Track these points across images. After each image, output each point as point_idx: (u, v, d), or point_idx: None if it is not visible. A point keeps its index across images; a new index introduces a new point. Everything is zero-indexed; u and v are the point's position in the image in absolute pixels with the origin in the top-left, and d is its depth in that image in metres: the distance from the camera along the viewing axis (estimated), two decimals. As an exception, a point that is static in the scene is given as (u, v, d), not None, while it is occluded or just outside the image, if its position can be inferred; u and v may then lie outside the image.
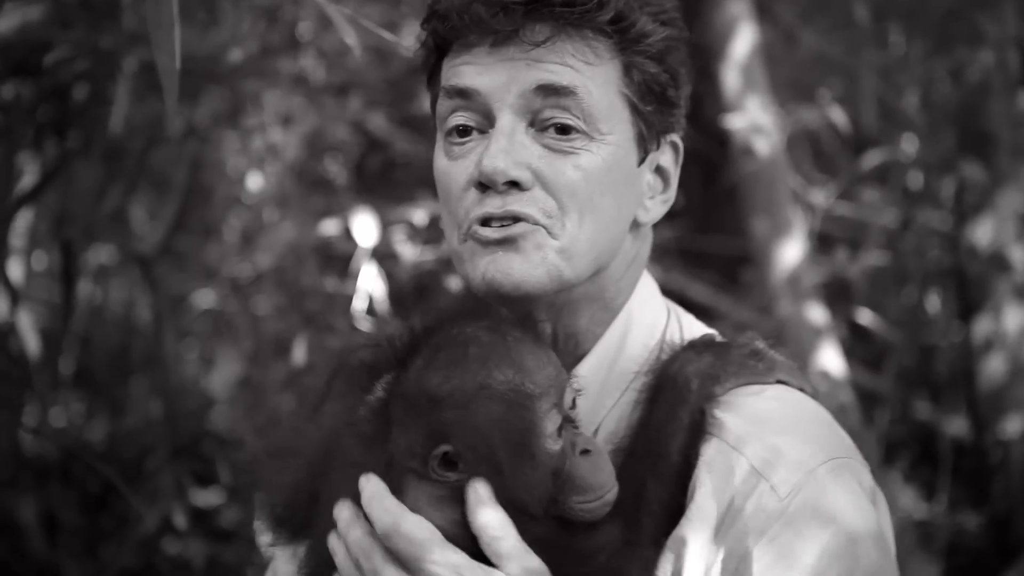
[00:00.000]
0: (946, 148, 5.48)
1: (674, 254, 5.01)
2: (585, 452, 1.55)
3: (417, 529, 1.49)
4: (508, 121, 1.65)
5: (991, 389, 5.24)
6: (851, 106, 5.33)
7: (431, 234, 4.03)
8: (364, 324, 4.01)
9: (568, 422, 1.57)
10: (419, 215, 4.03)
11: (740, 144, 4.37)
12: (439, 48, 1.73)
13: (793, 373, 1.70)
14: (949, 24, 5.58)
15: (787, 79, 5.56)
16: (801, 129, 4.74)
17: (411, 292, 4.10)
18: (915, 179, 5.58)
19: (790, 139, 4.69)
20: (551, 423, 1.54)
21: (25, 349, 4.64)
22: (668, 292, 1.89)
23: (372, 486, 1.51)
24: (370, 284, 4.02)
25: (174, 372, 5.24)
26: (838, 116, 4.57)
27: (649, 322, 1.78)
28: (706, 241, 5.18)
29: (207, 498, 5.18)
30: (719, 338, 1.72)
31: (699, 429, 1.60)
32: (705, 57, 4.34)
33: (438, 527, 1.50)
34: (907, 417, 5.70)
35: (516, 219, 1.64)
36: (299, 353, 4.23)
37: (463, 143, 1.70)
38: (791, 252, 4.29)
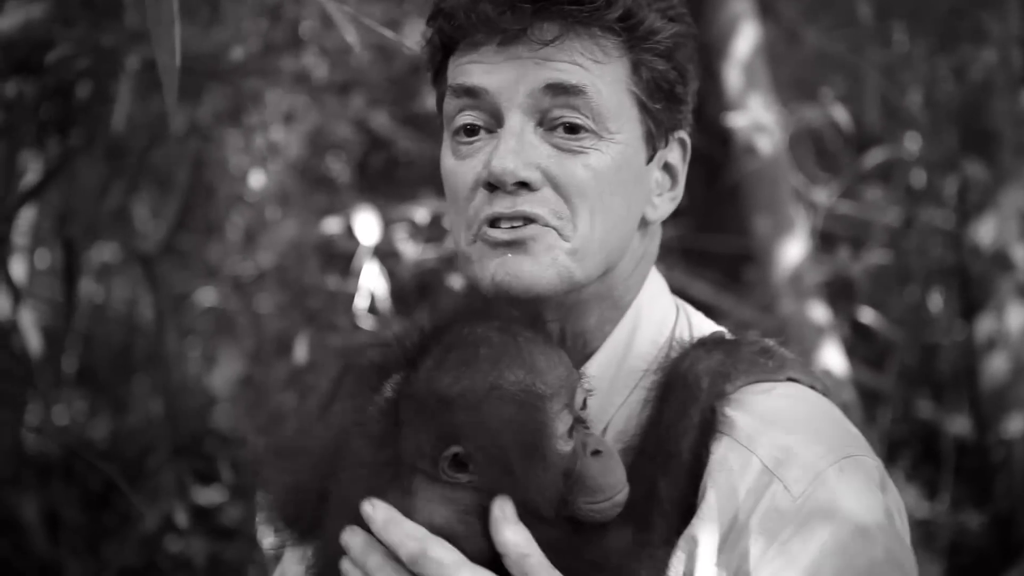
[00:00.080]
0: (949, 146, 5.48)
1: (676, 253, 5.01)
2: (596, 453, 1.54)
3: (446, 554, 1.47)
4: (517, 121, 1.64)
5: (993, 388, 5.24)
6: (854, 104, 5.32)
7: (433, 232, 4.03)
8: (366, 323, 4.01)
9: (579, 423, 1.56)
10: (421, 213, 4.02)
11: (742, 143, 4.37)
12: (445, 46, 1.72)
13: (804, 370, 1.69)
14: (952, 22, 5.58)
15: (790, 77, 5.55)
16: (804, 127, 4.73)
17: (413, 291, 4.10)
18: (918, 177, 5.57)
19: (793, 137, 4.69)
20: (562, 424, 1.53)
21: (27, 347, 4.65)
22: (670, 291, 1.88)
23: (383, 511, 1.50)
24: (372, 282, 4.02)
25: (176, 370, 5.25)
26: (840, 114, 4.56)
27: (658, 319, 1.77)
28: (708, 240, 5.18)
29: (209, 496, 5.18)
30: (728, 336, 1.71)
31: (710, 427, 1.59)
32: (707, 55, 4.33)
33: (448, 529, 1.50)
34: (909, 416, 5.69)
35: (526, 219, 1.64)
36: (301, 352, 4.23)
37: (471, 142, 1.68)
38: (793, 251, 4.29)
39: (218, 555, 4.89)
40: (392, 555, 1.49)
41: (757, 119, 4.29)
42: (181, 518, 4.46)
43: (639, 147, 1.70)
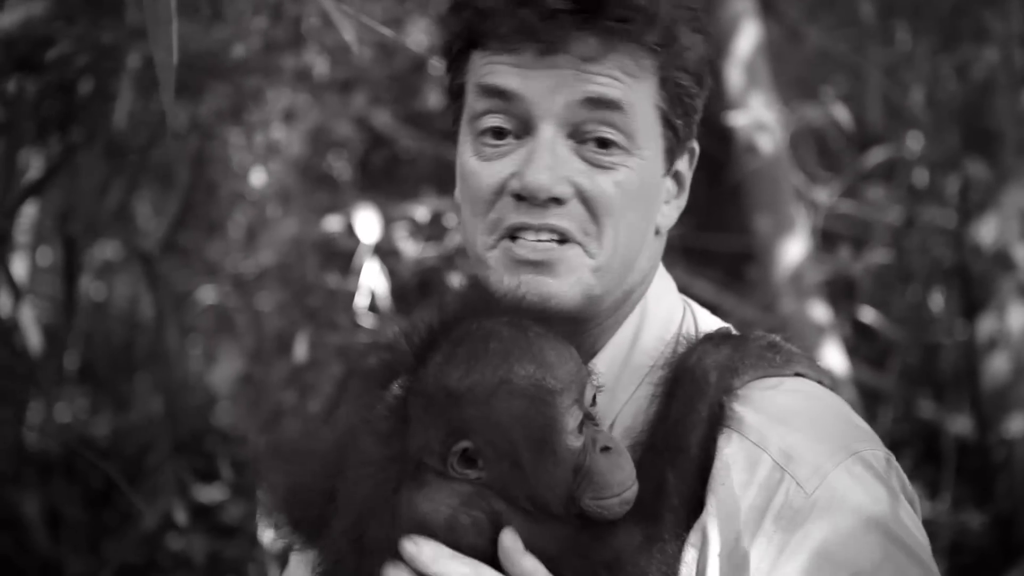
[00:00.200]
0: (951, 146, 5.48)
1: (677, 251, 5.01)
2: (606, 449, 1.53)
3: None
4: (550, 132, 1.63)
5: (995, 388, 5.23)
6: (856, 103, 5.33)
7: (434, 231, 4.03)
8: (366, 321, 4.01)
9: (589, 419, 1.55)
10: (421, 212, 4.03)
11: (743, 142, 4.37)
12: (471, 39, 1.69)
13: (811, 365, 1.69)
14: (954, 21, 5.57)
15: (792, 76, 5.55)
16: (806, 126, 4.73)
17: (413, 289, 4.10)
18: (920, 177, 5.57)
19: (796, 136, 4.69)
20: (572, 419, 1.52)
21: (28, 345, 4.65)
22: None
23: (429, 547, 1.50)
24: (372, 280, 4.02)
25: (177, 368, 5.25)
26: (841, 114, 4.56)
27: (664, 316, 1.77)
28: (709, 239, 5.18)
29: (210, 494, 5.18)
30: (735, 331, 1.71)
31: (717, 422, 1.59)
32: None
33: (453, 525, 1.49)
34: (910, 416, 5.69)
35: (552, 232, 1.63)
36: (301, 350, 4.23)
37: (497, 146, 1.67)
38: (794, 250, 4.28)
39: (218, 553, 4.89)
40: None
41: (758, 118, 4.29)
42: (180, 516, 4.46)
43: (660, 161, 1.70)
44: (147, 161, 4.67)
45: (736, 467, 1.57)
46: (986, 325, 5.29)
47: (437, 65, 4.94)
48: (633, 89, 1.64)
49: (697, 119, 1.75)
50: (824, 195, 4.58)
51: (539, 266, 1.64)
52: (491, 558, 1.50)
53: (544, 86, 1.63)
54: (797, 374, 1.67)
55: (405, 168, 5.59)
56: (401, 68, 5.22)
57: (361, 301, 4.03)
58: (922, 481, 5.11)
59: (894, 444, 1.65)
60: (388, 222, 4.08)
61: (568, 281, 1.64)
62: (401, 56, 5.09)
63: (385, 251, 4.06)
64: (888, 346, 5.22)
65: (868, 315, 4.70)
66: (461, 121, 1.73)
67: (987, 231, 5.25)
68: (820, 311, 4.26)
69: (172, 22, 1.70)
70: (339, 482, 1.55)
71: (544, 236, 1.64)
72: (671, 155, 1.72)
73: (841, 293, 4.72)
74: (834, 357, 4.17)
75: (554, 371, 1.52)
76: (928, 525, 1.65)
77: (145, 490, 4.62)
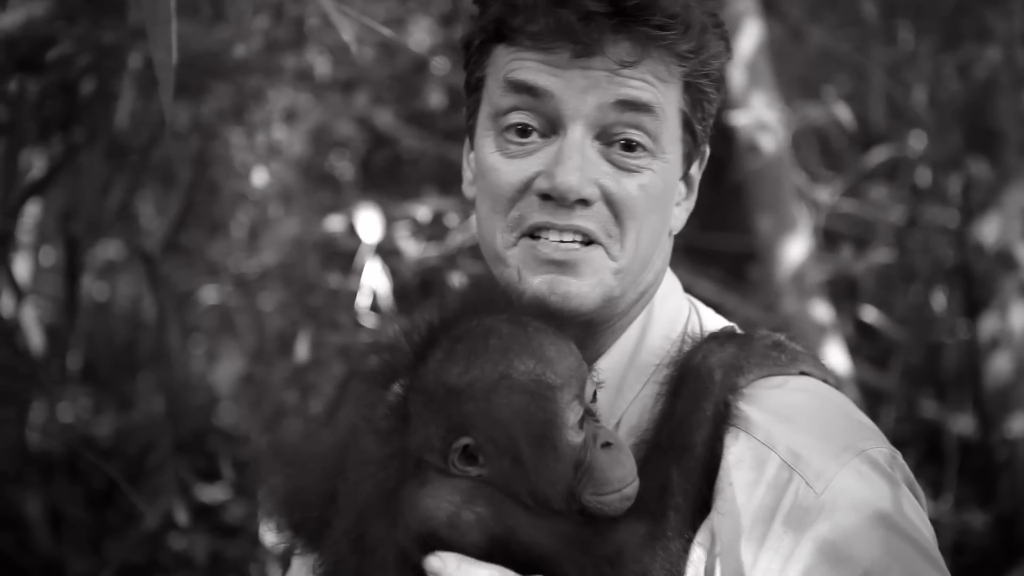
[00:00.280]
0: (953, 145, 5.47)
1: (679, 251, 4.99)
2: (606, 445, 1.53)
3: None
4: (579, 133, 1.64)
5: (997, 387, 5.22)
6: (859, 103, 5.32)
7: (435, 230, 4.03)
8: (368, 320, 4.02)
9: (589, 415, 1.56)
10: (423, 211, 4.03)
11: (746, 141, 4.37)
12: (498, 32, 1.69)
13: (816, 364, 1.69)
14: (957, 21, 5.57)
15: (794, 76, 5.55)
16: (808, 126, 4.73)
17: (415, 288, 4.10)
18: (922, 176, 5.57)
19: (798, 136, 4.68)
20: (573, 414, 1.53)
21: (30, 345, 4.66)
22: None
23: (453, 560, 1.49)
24: (374, 280, 4.02)
25: (179, 368, 5.25)
26: (843, 113, 4.56)
27: (670, 316, 1.77)
28: (711, 238, 5.17)
29: (211, 494, 5.18)
30: (740, 330, 1.71)
31: (723, 421, 1.59)
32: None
33: (454, 521, 1.49)
34: (913, 415, 5.69)
35: (576, 233, 1.64)
36: (302, 349, 4.24)
37: (523, 143, 1.67)
38: (796, 249, 4.28)
39: (220, 553, 4.89)
40: None
41: (760, 118, 4.28)
42: (180, 516, 4.46)
43: (679, 165, 1.72)
44: (149, 161, 4.67)
45: (744, 466, 1.57)
46: (988, 325, 5.28)
47: (439, 65, 4.94)
48: (662, 93, 1.65)
49: (712, 122, 1.76)
50: (826, 195, 4.58)
51: (562, 266, 1.64)
52: (493, 554, 1.49)
53: (576, 86, 1.63)
54: (802, 373, 1.68)
55: (407, 168, 5.58)
56: (403, 68, 5.22)
57: (363, 301, 4.03)
58: (924, 481, 5.08)
59: (896, 444, 1.66)
60: (390, 222, 4.08)
61: (590, 282, 1.65)
62: (403, 56, 5.09)
63: (387, 251, 4.06)
64: (890, 346, 5.21)
65: (870, 315, 4.70)
66: (478, 115, 1.73)
67: (989, 230, 5.25)
68: (822, 311, 4.25)
69: (171, 22, 1.71)
70: (340, 483, 1.55)
71: (568, 237, 1.65)
72: (689, 159, 1.73)
73: (843, 293, 4.72)
74: (836, 357, 4.16)
75: (554, 366, 1.53)
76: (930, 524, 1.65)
77: (147, 490, 4.62)
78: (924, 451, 5.36)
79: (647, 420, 1.63)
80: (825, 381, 1.69)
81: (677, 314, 1.78)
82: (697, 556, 1.55)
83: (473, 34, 1.73)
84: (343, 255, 4.27)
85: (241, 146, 4.88)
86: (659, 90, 1.65)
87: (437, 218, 4.01)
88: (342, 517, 1.54)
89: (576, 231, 1.64)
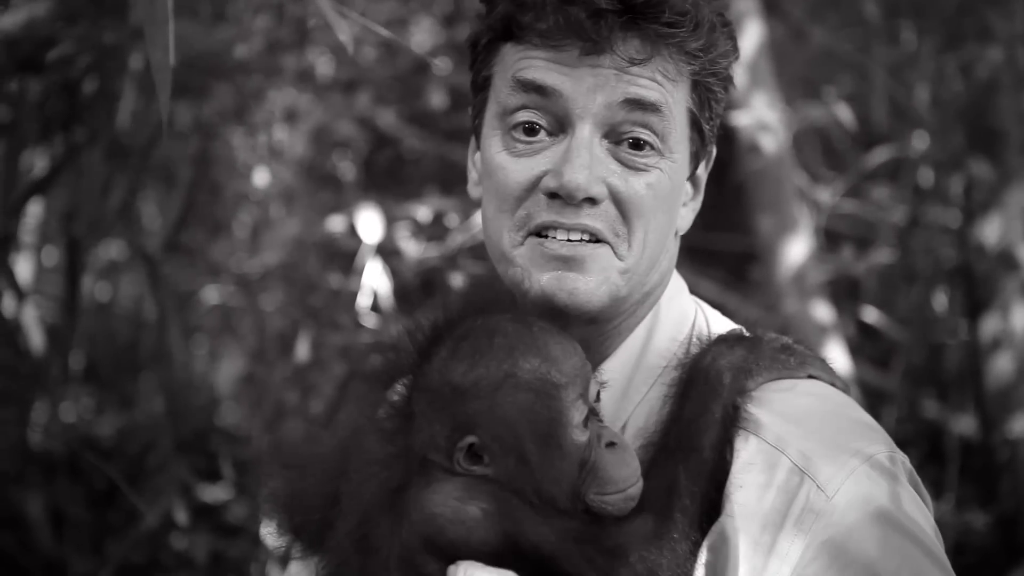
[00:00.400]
0: (955, 145, 5.46)
1: (680, 251, 4.99)
2: (611, 445, 1.53)
3: None
4: (587, 132, 1.63)
5: (999, 388, 5.22)
6: (860, 103, 5.32)
7: (436, 231, 4.03)
8: (369, 321, 4.02)
9: (593, 414, 1.56)
10: (423, 212, 4.03)
11: (747, 141, 4.36)
12: (506, 30, 1.68)
13: (824, 368, 1.70)
14: (959, 21, 5.56)
15: (796, 76, 5.54)
16: (810, 126, 4.73)
17: (416, 289, 4.10)
18: (924, 176, 5.56)
19: (800, 136, 4.68)
20: (578, 413, 1.53)
21: (32, 345, 4.66)
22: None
23: (475, 570, 1.49)
24: (375, 280, 4.02)
25: (180, 368, 5.25)
26: (845, 113, 4.55)
27: (676, 318, 1.77)
28: (713, 238, 5.17)
29: (213, 494, 5.18)
30: (748, 333, 1.71)
31: (731, 424, 1.59)
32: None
33: (459, 520, 1.49)
34: (914, 415, 5.68)
35: (584, 231, 1.63)
36: (304, 349, 4.24)
37: (530, 142, 1.66)
38: (797, 249, 4.28)
39: (221, 553, 4.89)
40: None
41: (762, 118, 4.28)
42: (181, 516, 4.46)
43: (686, 165, 1.71)
44: (150, 161, 4.67)
45: (755, 469, 1.57)
46: (990, 325, 5.28)
47: (440, 65, 4.94)
48: (671, 92, 1.65)
49: (719, 122, 1.76)
50: (827, 195, 4.58)
51: (570, 262, 1.64)
52: (500, 553, 1.49)
53: (585, 85, 1.63)
54: (810, 376, 1.68)
55: (409, 168, 5.58)
56: (405, 68, 5.22)
57: (363, 301, 4.03)
58: (926, 481, 5.08)
59: (898, 444, 1.66)
60: (390, 222, 4.08)
61: (597, 279, 1.64)
62: (405, 56, 5.09)
63: (387, 251, 4.06)
64: (892, 346, 5.21)
65: (872, 315, 4.70)
66: (485, 115, 1.73)
67: (991, 231, 5.24)
68: (823, 311, 4.25)
69: (169, 23, 1.71)
70: (342, 484, 1.55)
71: (575, 236, 1.64)
72: (696, 158, 1.73)
73: (844, 293, 4.72)
74: (838, 357, 4.16)
75: (559, 365, 1.53)
76: (932, 525, 1.66)
77: (148, 490, 4.62)
78: (925, 451, 5.36)
79: (654, 422, 1.63)
80: (833, 385, 1.69)
81: (683, 316, 1.78)
82: (706, 558, 1.55)
83: (480, 32, 1.72)
84: (344, 255, 4.27)
85: (242, 146, 4.89)
86: (667, 89, 1.65)
87: (438, 218, 4.01)
88: (346, 517, 1.54)
89: (584, 230, 1.64)
